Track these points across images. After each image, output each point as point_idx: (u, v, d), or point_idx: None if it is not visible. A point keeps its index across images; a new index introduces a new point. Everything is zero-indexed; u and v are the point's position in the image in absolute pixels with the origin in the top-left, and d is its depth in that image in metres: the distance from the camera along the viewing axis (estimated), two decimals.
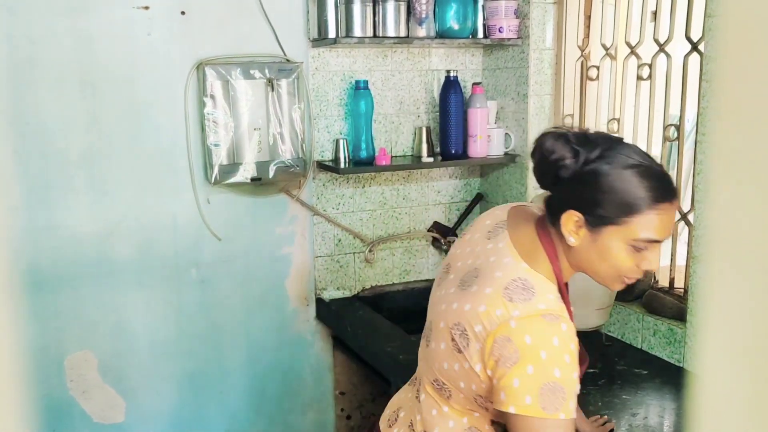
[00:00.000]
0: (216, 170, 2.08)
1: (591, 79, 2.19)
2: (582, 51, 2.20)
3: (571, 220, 1.09)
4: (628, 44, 1.99)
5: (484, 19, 2.30)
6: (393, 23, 2.14)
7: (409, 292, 2.48)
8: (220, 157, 2.08)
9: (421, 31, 2.20)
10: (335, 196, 2.34)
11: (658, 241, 1.08)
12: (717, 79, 0.29)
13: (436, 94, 2.39)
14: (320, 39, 2.16)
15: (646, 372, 1.79)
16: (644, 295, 1.93)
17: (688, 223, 1.83)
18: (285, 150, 2.14)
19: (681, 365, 1.80)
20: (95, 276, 2.07)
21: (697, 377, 0.34)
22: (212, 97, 2.04)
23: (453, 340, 1.12)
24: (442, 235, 2.49)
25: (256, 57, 2.13)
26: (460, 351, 1.11)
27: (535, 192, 2.25)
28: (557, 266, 1.13)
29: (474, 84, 2.33)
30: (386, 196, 2.42)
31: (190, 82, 2.08)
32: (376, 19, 2.14)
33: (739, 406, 0.32)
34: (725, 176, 0.29)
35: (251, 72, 2.07)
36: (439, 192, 2.51)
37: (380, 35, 2.15)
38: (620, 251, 1.08)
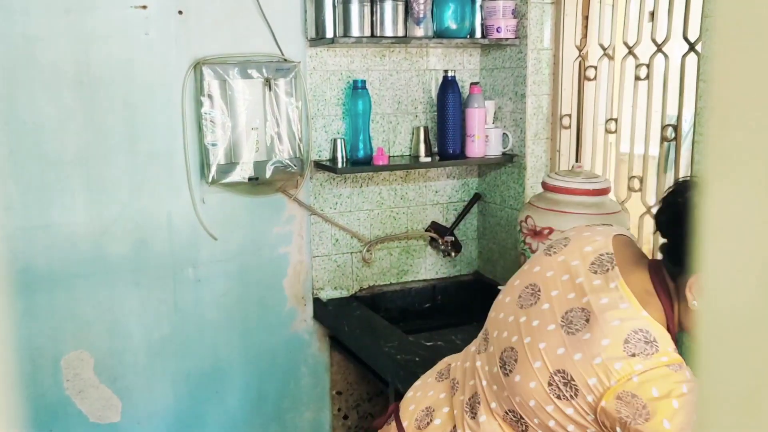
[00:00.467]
0: (213, 170, 2.07)
1: (589, 79, 2.19)
2: (580, 51, 2.20)
3: (696, 286, 1.02)
4: (625, 44, 1.99)
5: (481, 18, 2.29)
6: (391, 23, 2.14)
7: (407, 292, 2.48)
8: (218, 157, 2.07)
9: (419, 31, 2.20)
10: (333, 196, 2.34)
11: None
12: (712, 79, 0.29)
13: (434, 93, 2.39)
14: (318, 38, 2.15)
15: None
16: None
17: None
18: (282, 150, 2.14)
19: None
20: (91, 275, 2.06)
21: (698, 378, 0.33)
22: (209, 96, 2.04)
23: (552, 384, 1.05)
24: (440, 235, 2.49)
25: (254, 56, 2.13)
26: (560, 398, 1.04)
27: (532, 192, 2.25)
28: (671, 320, 1.06)
29: (472, 84, 2.33)
30: (384, 195, 2.42)
31: (188, 82, 2.07)
32: (374, 18, 2.14)
33: (738, 406, 0.32)
34: (721, 176, 0.29)
35: (249, 71, 2.07)
36: (436, 192, 2.51)
37: (378, 35, 2.15)
38: None
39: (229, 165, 2.09)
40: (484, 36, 2.30)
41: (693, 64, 1.74)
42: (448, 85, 2.28)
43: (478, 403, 1.17)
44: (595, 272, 1.10)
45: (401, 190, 2.45)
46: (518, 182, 2.33)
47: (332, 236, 2.36)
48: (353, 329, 2.16)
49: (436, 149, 2.37)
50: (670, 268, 1.08)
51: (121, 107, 2.02)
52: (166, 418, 2.23)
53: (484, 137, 2.31)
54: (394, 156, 2.39)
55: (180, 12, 2.04)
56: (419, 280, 2.52)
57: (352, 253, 2.40)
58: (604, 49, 2.09)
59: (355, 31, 2.10)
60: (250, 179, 2.11)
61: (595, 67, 2.15)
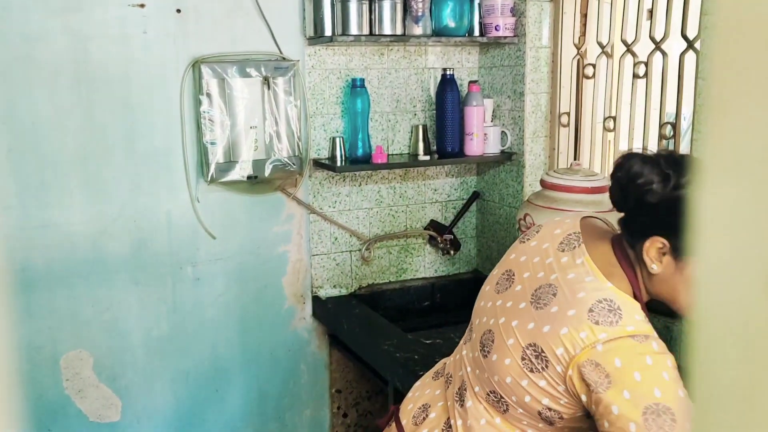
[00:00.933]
0: (212, 168, 2.07)
1: (587, 77, 2.19)
2: (578, 49, 2.21)
3: (654, 247, 1.05)
4: (624, 42, 1.99)
5: (480, 17, 2.29)
6: (389, 21, 2.14)
7: (406, 291, 2.48)
8: (216, 156, 2.07)
9: (418, 29, 2.20)
10: (332, 195, 2.34)
11: None
12: (711, 76, 0.29)
13: (433, 92, 2.39)
14: (316, 37, 2.15)
15: None
16: None
17: None
18: (281, 148, 2.14)
19: (678, 363, 1.80)
20: (90, 274, 2.06)
21: (692, 375, 0.34)
22: (208, 95, 2.04)
23: (525, 359, 1.07)
24: (439, 234, 2.49)
25: (252, 55, 2.13)
26: (532, 371, 1.06)
27: (531, 190, 2.25)
28: (638, 288, 1.08)
29: (470, 82, 2.33)
30: (383, 194, 2.42)
31: (186, 81, 2.07)
32: (373, 17, 2.14)
33: (737, 404, 0.32)
34: (720, 174, 0.29)
35: (247, 70, 2.07)
36: (435, 190, 2.51)
37: (376, 33, 2.15)
38: None
39: (228, 164, 2.09)
40: (482, 34, 2.30)
41: (691, 62, 1.74)
42: (447, 83, 2.28)
43: (465, 390, 1.20)
44: (563, 251, 1.13)
45: (400, 189, 2.45)
46: (517, 180, 2.33)
47: (331, 235, 2.36)
48: (352, 327, 2.16)
49: (434, 147, 2.37)
50: (628, 239, 1.10)
51: (119, 106, 2.02)
52: (166, 417, 2.23)
53: (482, 135, 2.31)
54: (392, 154, 2.39)
55: (178, 10, 2.04)
56: (418, 279, 2.52)
57: (351, 251, 2.41)
58: (603, 47, 2.09)
59: (353, 30, 2.10)
60: (249, 178, 2.11)
61: (594, 65, 2.15)
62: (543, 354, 1.05)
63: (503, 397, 1.12)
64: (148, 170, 2.08)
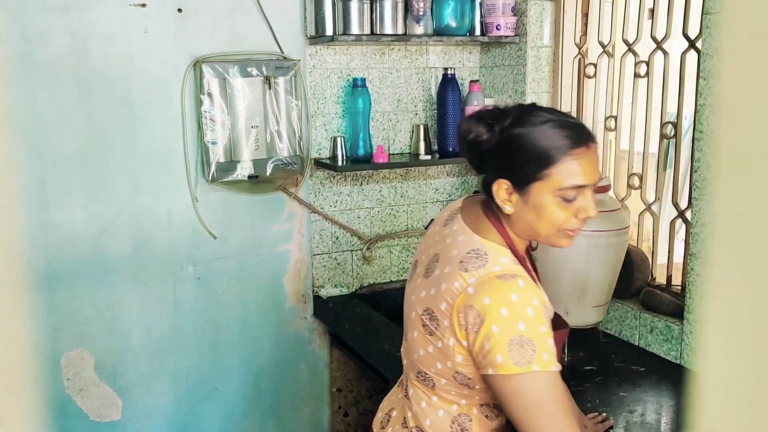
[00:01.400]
0: (213, 168, 2.07)
1: (588, 77, 2.19)
2: (579, 48, 2.20)
3: (501, 189, 1.14)
4: (625, 42, 1.99)
5: (481, 16, 2.29)
6: (390, 21, 2.14)
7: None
8: (217, 155, 2.07)
9: (419, 29, 2.19)
10: (333, 194, 2.34)
11: (583, 186, 1.11)
12: (717, 76, 0.29)
13: (434, 91, 2.39)
14: (317, 36, 2.15)
15: (643, 369, 1.79)
16: (642, 292, 1.93)
17: (685, 220, 1.83)
18: (282, 148, 2.14)
19: (678, 362, 1.80)
20: (91, 274, 2.06)
21: (697, 374, 0.34)
22: (209, 94, 2.04)
23: (424, 325, 1.17)
24: None
25: (254, 54, 2.13)
26: (431, 333, 1.16)
27: None
28: (507, 238, 1.17)
29: (471, 82, 2.33)
30: (384, 193, 2.42)
31: (187, 80, 2.07)
32: (374, 16, 2.14)
33: (740, 403, 0.32)
34: (726, 173, 0.29)
35: (248, 70, 2.07)
36: (436, 190, 2.51)
37: (377, 33, 2.15)
38: (552, 205, 1.11)
39: (229, 163, 2.09)
40: (483, 34, 2.30)
41: (693, 62, 1.74)
42: (448, 82, 2.28)
43: (407, 381, 1.29)
44: (446, 225, 1.24)
45: (401, 188, 2.45)
46: None
47: (332, 234, 2.36)
48: (353, 327, 2.16)
49: (435, 147, 2.37)
50: (488, 195, 1.19)
51: (120, 105, 2.02)
52: (167, 416, 2.23)
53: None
54: (393, 154, 2.39)
55: (179, 10, 2.04)
56: None
57: (352, 250, 2.41)
58: (604, 47, 2.09)
59: (354, 29, 2.10)
60: (250, 177, 2.11)
61: (595, 65, 2.15)
62: (433, 314, 1.15)
63: (427, 373, 1.20)
64: (148, 170, 2.08)
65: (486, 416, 1.21)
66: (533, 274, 1.20)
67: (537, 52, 2.24)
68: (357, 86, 2.20)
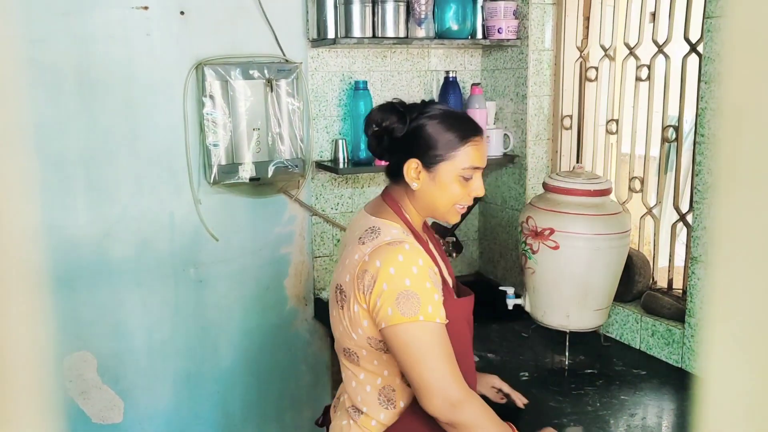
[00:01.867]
0: (215, 170, 2.08)
1: (590, 80, 2.19)
2: (581, 52, 2.21)
3: (411, 168, 1.32)
4: (626, 45, 1.99)
5: (483, 19, 2.30)
6: (392, 24, 2.14)
7: None
8: (219, 157, 2.07)
9: (421, 32, 2.20)
10: (334, 197, 2.34)
11: (478, 168, 1.33)
12: (719, 79, 0.29)
13: (435, 94, 2.40)
14: (319, 39, 2.16)
15: (644, 372, 1.79)
16: (643, 296, 1.93)
17: (686, 223, 1.83)
18: (284, 150, 2.14)
19: (679, 366, 1.80)
20: (93, 276, 2.06)
21: (699, 378, 0.34)
22: (211, 97, 2.04)
23: (337, 301, 1.32)
24: (441, 236, 2.49)
25: (255, 57, 2.13)
26: (342, 307, 1.30)
27: (533, 192, 2.25)
28: (403, 216, 1.34)
29: (473, 85, 2.33)
30: None
31: (189, 83, 2.08)
32: (376, 19, 2.14)
33: (742, 407, 0.32)
34: (727, 176, 0.29)
35: (250, 72, 2.07)
36: None
37: (379, 36, 2.15)
38: (454, 182, 1.31)
39: (231, 165, 2.09)
40: (485, 37, 2.30)
41: (694, 65, 1.74)
42: (450, 85, 2.29)
43: (340, 366, 1.41)
44: (354, 222, 1.41)
45: None
46: (519, 183, 2.34)
47: (333, 236, 2.36)
48: None
49: None
50: (392, 177, 1.38)
51: (122, 108, 2.02)
52: (168, 418, 2.23)
53: (485, 138, 2.31)
54: None
55: (182, 13, 2.05)
56: None
57: None
58: (605, 50, 2.10)
59: (356, 32, 2.11)
60: (251, 180, 2.12)
61: (596, 68, 2.15)
62: (341, 288, 1.29)
63: (349, 349, 1.33)
64: (151, 172, 2.08)
65: (407, 384, 1.31)
66: (429, 245, 1.38)
67: (538, 56, 2.25)
68: (359, 89, 2.20)
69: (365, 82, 2.21)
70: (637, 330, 1.92)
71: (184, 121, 2.09)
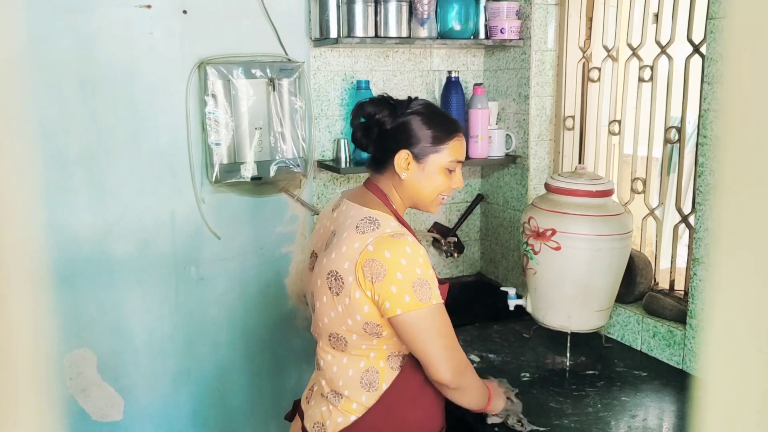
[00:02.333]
0: (216, 169, 2.08)
1: (592, 81, 2.19)
2: (583, 52, 2.20)
3: (402, 158, 1.39)
4: (629, 46, 1.99)
5: (485, 19, 2.30)
6: (395, 23, 2.14)
7: None
8: (221, 156, 2.08)
9: (423, 32, 2.20)
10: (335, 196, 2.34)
11: (460, 162, 1.43)
12: (721, 81, 0.29)
13: (438, 94, 2.39)
14: (322, 39, 2.16)
15: (645, 374, 1.79)
16: (644, 297, 1.93)
17: (688, 225, 1.83)
18: (286, 149, 2.14)
19: (680, 367, 1.80)
20: (94, 274, 2.07)
21: (700, 380, 0.34)
22: (213, 96, 2.04)
23: (330, 288, 1.34)
24: (443, 236, 2.49)
25: (258, 56, 2.13)
26: (338, 293, 1.33)
27: (535, 193, 2.25)
28: (391, 207, 1.41)
29: (475, 85, 2.33)
30: None
31: (192, 81, 2.08)
32: (378, 19, 2.14)
33: (743, 409, 0.32)
34: (729, 178, 0.29)
35: (252, 71, 2.07)
36: None
37: (382, 35, 2.15)
38: (440, 174, 1.40)
39: (233, 165, 2.09)
40: (487, 37, 2.30)
41: (697, 66, 1.74)
42: (452, 85, 2.29)
43: (318, 355, 1.46)
44: (333, 211, 1.47)
45: None
46: (521, 183, 2.33)
47: None
48: None
49: None
50: (376, 168, 1.45)
51: (124, 107, 2.03)
52: (168, 417, 2.24)
53: (487, 138, 2.31)
54: None
55: (184, 11, 2.05)
56: None
57: None
58: (608, 51, 2.09)
59: (359, 32, 2.11)
60: (253, 179, 2.12)
61: (599, 69, 2.15)
62: (337, 274, 1.32)
63: (338, 334, 1.37)
64: (152, 171, 2.09)
65: (391, 367, 1.39)
66: (415, 234, 1.43)
67: (541, 56, 2.25)
68: (361, 88, 2.20)
69: (367, 82, 2.21)
70: (638, 331, 1.92)
71: (186, 119, 2.09)
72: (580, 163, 2.25)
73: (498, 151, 2.34)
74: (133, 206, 2.08)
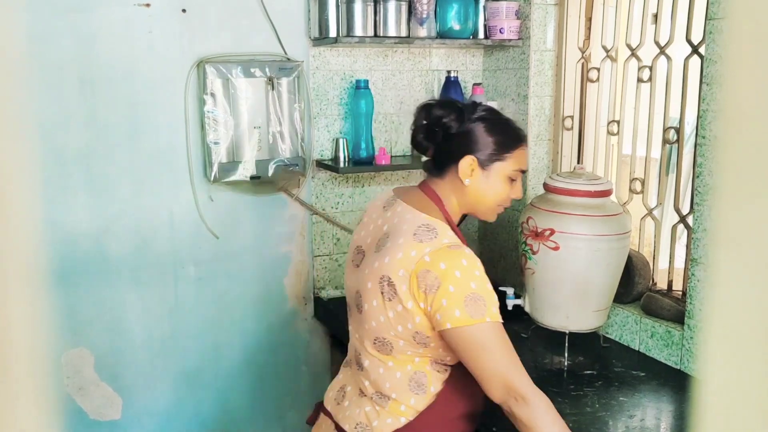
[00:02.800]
0: (215, 168, 2.08)
1: (591, 81, 2.19)
2: (582, 53, 2.21)
3: (466, 164, 1.36)
4: (628, 46, 1.99)
5: (485, 19, 2.30)
6: (394, 23, 2.14)
7: None
8: (220, 155, 2.07)
9: (422, 31, 2.20)
10: (334, 196, 2.34)
11: (523, 171, 1.42)
12: (720, 81, 0.29)
13: (437, 94, 2.39)
14: (321, 38, 2.15)
15: (643, 374, 1.79)
16: (642, 297, 1.93)
17: (687, 225, 1.83)
18: (285, 149, 2.14)
19: (678, 367, 1.80)
20: (92, 273, 2.06)
21: (698, 380, 0.34)
22: (212, 95, 2.04)
23: (382, 292, 1.30)
24: None
25: (257, 55, 2.13)
26: (390, 299, 1.29)
27: (534, 193, 2.25)
28: (447, 214, 1.38)
29: (474, 84, 2.33)
30: None
31: (191, 80, 2.08)
32: (377, 18, 2.14)
33: (741, 410, 0.32)
34: (728, 178, 0.29)
35: (252, 70, 2.07)
36: None
37: (381, 35, 2.15)
38: (503, 183, 1.39)
39: (231, 164, 2.09)
40: (487, 37, 2.30)
41: (696, 67, 1.74)
42: (451, 85, 2.29)
43: (360, 354, 1.42)
44: (386, 210, 1.42)
45: None
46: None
47: (333, 236, 2.36)
48: None
49: None
50: (435, 172, 1.41)
51: (123, 105, 2.02)
52: (167, 417, 2.23)
53: None
54: (396, 156, 2.39)
55: (183, 10, 2.05)
56: None
57: None
58: (607, 51, 2.09)
59: (358, 31, 2.11)
60: (252, 178, 2.12)
61: (598, 69, 2.15)
62: (390, 281, 1.28)
63: (385, 338, 1.33)
64: (151, 169, 2.08)
65: (437, 371, 1.36)
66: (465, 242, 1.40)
67: (540, 56, 2.25)
68: (360, 88, 2.20)
69: (366, 81, 2.21)
70: (636, 331, 1.92)
71: (185, 118, 2.09)
72: (578, 163, 2.25)
73: None
74: (131, 205, 2.08)
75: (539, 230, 1.77)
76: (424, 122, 1.40)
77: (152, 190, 2.09)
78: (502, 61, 2.37)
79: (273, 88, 2.10)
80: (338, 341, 2.37)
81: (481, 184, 1.38)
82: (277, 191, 2.26)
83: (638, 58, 1.97)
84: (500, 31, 2.24)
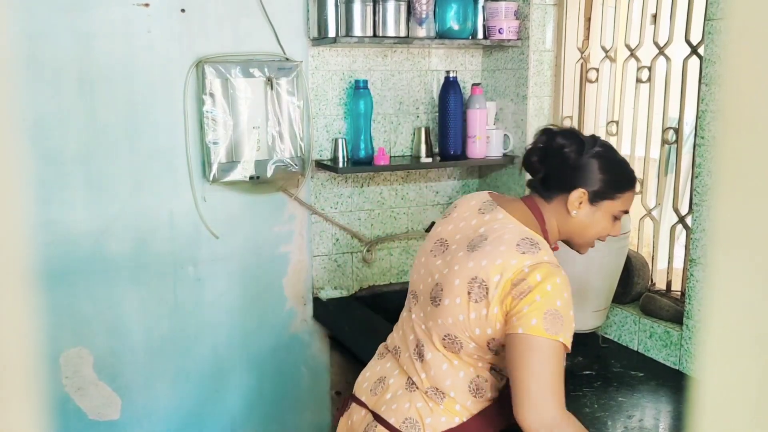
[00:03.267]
0: (214, 168, 2.08)
1: (590, 81, 2.19)
2: (582, 53, 2.21)
3: (576, 196, 1.36)
4: (627, 47, 1.99)
5: (484, 20, 2.30)
6: (393, 23, 2.14)
7: (407, 293, 2.47)
8: (219, 155, 2.07)
9: (421, 32, 2.20)
10: (333, 196, 2.34)
11: (627, 213, 1.43)
12: (719, 82, 0.29)
13: (436, 94, 2.40)
14: (320, 38, 2.15)
15: (642, 374, 1.79)
16: (641, 298, 1.93)
17: (686, 226, 1.83)
18: (284, 149, 2.14)
19: (677, 368, 1.80)
20: (91, 273, 2.06)
21: (696, 380, 0.34)
22: (211, 95, 2.04)
23: (470, 292, 1.30)
24: None
25: (256, 55, 2.13)
26: (477, 301, 1.29)
27: None
28: (545, 233, 1.39)
29: (473, 85, 2.33)
30: (384, 196, 2.42)
31: (190, 80, 2.08)
32: (376, 18, 2.14)
33: (739, 410, 0.32)
34: (727, 179, 0.29)
35: (251, 70, 2.07)
36: (437, 192, 2.51)
37: (380, 35, 2.15)
38: (607, 221, 1.39)
39: (231, 164, 2.09)
40: (486, 37, 2.30)
41: (695, 67, 1.74)
42: (450, 85, 2.29)
43: (423, 346, 1.40)
44: (483, 212, 1.41)
45: (402, 191, 2.45)
46: (519, 183, 2.33)
47: (332, 236, 2.36)
48: (353, 329, 2.16)
49: (437, 150, 2.38)
50: (544, 194, 1.41)
51: (122, 105, 2.02)
52: (166, 417, 2.23)
53: (485, 138, 2.31)
54: (395, 156, 2.39)
55: (182, 10, 2.05)
56: None
57: (352, 252, 2.41)
58: (606, 51, 2.09)
59: (357, 31, 2.11)
60: (251, 178, 2.11)
61: (597, 69, 2.15)
62: (483, 283, 1.28)
63: (457, 337, 1.33)
64: (150, 169, 2.08)
65: (496, 378, 1.38)
66: None
67: (539, 56, 2.25)
68: (359, 88, 2.20)
69: (365, 81, 2.21)
70: (635, 332, 1.92)
71: (184, 118, 2.09)
72: None
73: (496, 151, 2.34)
74: (130, 205, 2.08)
75: None
76: (541, 146, 1.40)
77: (151, 190, 2.09)
78: (501, 61, 2.37)
79: (272, 88, 2.10)
80: (337, 342, 2.37)
81: (587, 218, 1.38)
82: (276, 191, 2.26)
83: (637, 59, 1.97)
84: (499, 32, 2.24)
